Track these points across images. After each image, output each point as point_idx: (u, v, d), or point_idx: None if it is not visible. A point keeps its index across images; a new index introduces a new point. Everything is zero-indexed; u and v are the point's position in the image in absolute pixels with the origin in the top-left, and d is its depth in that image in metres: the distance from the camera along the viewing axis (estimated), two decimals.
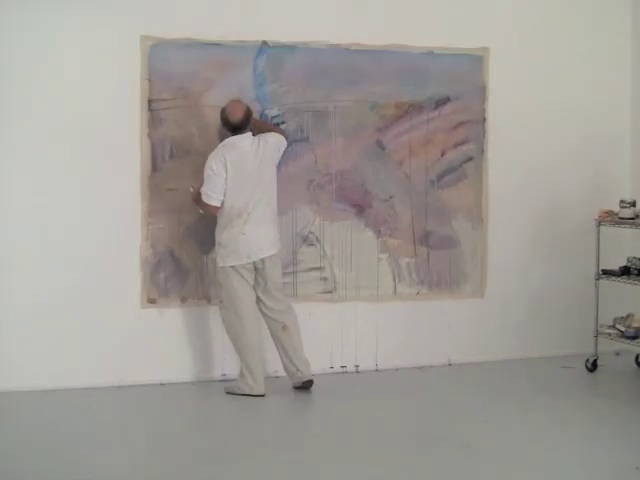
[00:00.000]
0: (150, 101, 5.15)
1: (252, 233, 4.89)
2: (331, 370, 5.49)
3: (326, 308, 5.49)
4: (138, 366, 5.17)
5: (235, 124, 4.91)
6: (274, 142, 5.03)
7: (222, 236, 4.93)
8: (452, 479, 3.80)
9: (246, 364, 4.99)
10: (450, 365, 5.71)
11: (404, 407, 4.83)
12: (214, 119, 5.18)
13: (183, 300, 5.27)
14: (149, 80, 5.14)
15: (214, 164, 4.86)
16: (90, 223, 5.10)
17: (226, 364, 5.32)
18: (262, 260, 4.95)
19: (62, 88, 5.04)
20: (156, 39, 5.13)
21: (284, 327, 5.04)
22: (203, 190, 4.89)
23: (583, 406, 4.84)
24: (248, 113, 4.95)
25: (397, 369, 5.57)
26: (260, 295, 5.03)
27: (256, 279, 5.01)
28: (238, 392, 5.00)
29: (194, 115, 5.22)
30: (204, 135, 5.23)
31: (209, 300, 5.29)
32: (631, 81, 6.07)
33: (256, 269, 4.98)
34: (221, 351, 5.31)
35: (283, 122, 5.31)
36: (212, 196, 4.88)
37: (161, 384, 5.20)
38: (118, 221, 5.14)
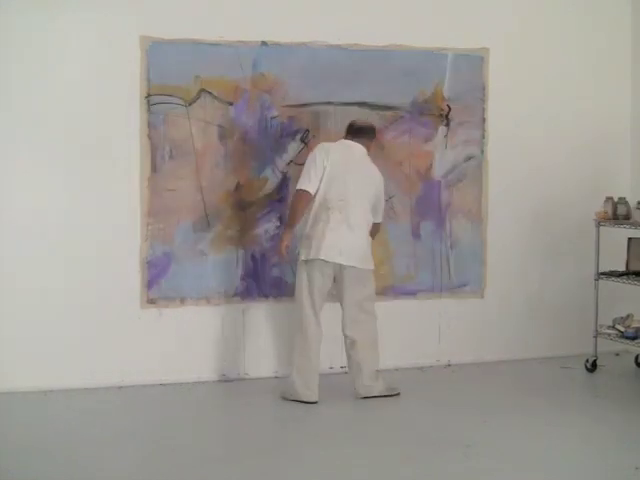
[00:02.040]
0: (150, 101, 5.15)
1: (335, 233, 4.75)
2: (331, 370, 5.48)
3: (326, 308, 5.49)
4: (138, 366, 5.17)
5: (355, 127, 4.91)
6: (379, 185, 4.93)
7: (307, 230, 4.82)
8: (452, 479, 3.80)
9: (296, 367, 4.84)
10: (450, 365, 5.71)
11: (404, 407, 4.83)
12: (213, 120, 5.20)
13: (183, 300, 5.27)
14: (149, 80, 5.14)
15: (317, 155, 4.80)
16: (90, 223, 5.10)
17: (226, 364, 5.33)
18: (340, 268, 4.78)
19: (62, 88, 5.04)
20: (156, 39, 5.13)
21: (352, 342, 4.88)
22: (301, 178, 4.81)
23: (583, 406, 4.84)
24: (370, 128, 4.94)
25: (397, 369, 5.56)
26: (341, 305, 4.91)
27: (335, 287, 4.89)
28: (290, 398, 4.87)
29: (194, 115, 5.22)
30: (203, 135, 5.23)
31: (208, 300, 5.30)
32: (631, 81, 6.07)
33: (335, 275, 4.83)
34: (221, 351, 5.31)
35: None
36: (305, 182, 4.76)
37: (161, 384, 5.20)
38: (118, 221, 5.14)
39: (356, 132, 4.91)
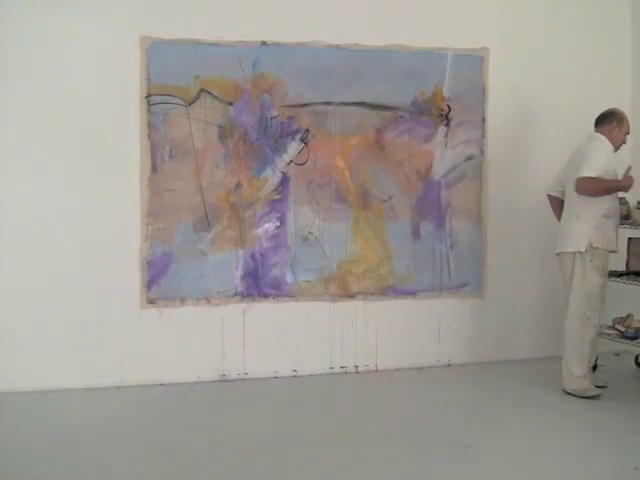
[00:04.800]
0: (150, 101, 5.15)
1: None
2: (331, 370, 5.49)
3: (326, 308, 5.50)
4: (138, 366, 5.17)
5: (595, 119, 5.13)
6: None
7: (597, 222, 4.98)
8: (452, 479, 3.80)
9: (587, 362, 4.97)
10: (450, 365, 5.71)
11: (404, 407, 4.83)
12: (213, 120, 5.20)
13: (183, 300, 5.27)
14: (149, 80, 5.15)
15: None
16: (90, 223, 5.10)
17: (226, 364, 5.33)
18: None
19: (62, 88, 5.04)
20: (156, 39, 5.14)
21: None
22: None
23: (583, 406, 4.84)
24: (604, 115, 5.09)
25: (397, 369, 5.57)
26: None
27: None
28: (584, 395, 4.93)
29: (194, 115, 5.22)
30: (203, 135, 5.23)
31: (208, 300, 5.30)
32: (631, 81, 6.08)
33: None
34: (221, 351, 5.32)
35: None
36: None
37: (161, 384, 5.20)
38: (118, 222, 5.14)
39: (595, 124, 5.14)
